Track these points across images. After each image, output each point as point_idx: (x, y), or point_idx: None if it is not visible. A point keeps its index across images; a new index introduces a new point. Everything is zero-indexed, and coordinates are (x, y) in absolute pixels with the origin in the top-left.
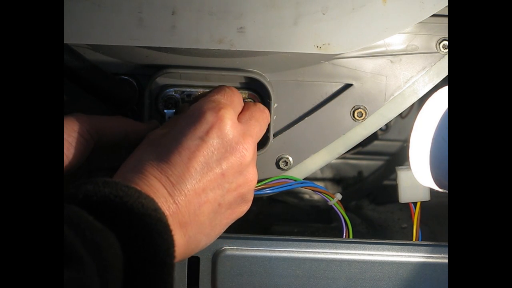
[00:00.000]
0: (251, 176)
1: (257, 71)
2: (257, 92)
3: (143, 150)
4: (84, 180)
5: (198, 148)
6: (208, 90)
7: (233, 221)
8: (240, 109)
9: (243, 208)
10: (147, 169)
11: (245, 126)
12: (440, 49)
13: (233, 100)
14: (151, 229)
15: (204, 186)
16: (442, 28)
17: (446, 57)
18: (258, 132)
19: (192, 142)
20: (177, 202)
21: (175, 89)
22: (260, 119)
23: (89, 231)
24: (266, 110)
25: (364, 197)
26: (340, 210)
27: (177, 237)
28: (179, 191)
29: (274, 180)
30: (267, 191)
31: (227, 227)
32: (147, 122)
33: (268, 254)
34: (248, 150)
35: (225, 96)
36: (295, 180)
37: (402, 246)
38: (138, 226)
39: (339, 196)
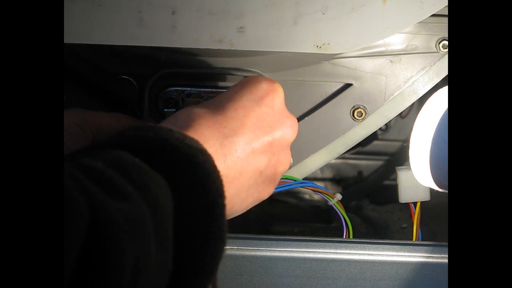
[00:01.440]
0: (289, 158)
1: (257, 71)
2: None
3: (190, 107)
4: (126, 128)
5: (253, 109)
6: (208, 90)
7: (258, 202)
8: None
9: (270, 190)
10: (200, 119)
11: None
12: (440, 49)
13: None
14: (199, 169)
15: (254, 148)
16: (442, 28)
17: (446, 57)
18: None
19: (248, 102)
20: (226, 154)
21: (175, 89)
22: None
23: (135, 173)
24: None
25: (364, 197)
26: (340, 210)
27: None
28: (231, 144)
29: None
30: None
31: (255, 204)
32: (146, 121)
33: (268, 254)
34: (294, 129)
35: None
36: (295, 180)
37: (402, 246)
38: (185, 167)
39: (339, 196)
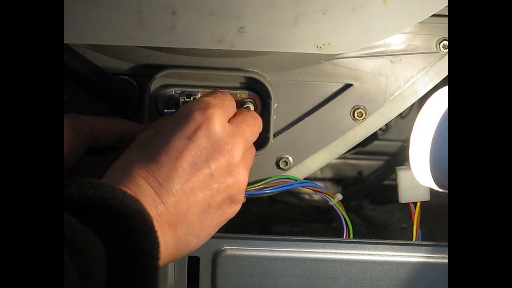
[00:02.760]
0: (241, 177)
1: (257, 71)
2: (257, 92)
3: (131, 151)
4: (68, 181)
5: (186, 148)
6: (208, 90)
7: (224, 223)
8: (231, 113)
9: (233, 209)
10: (134, 170)
11: (235, 128)
12: (440, 49)
13: (224, 102)
14: (134, 230)
15: (192, 186)
16: (442, 28)
17: (446, 57)
18: (249, 136)
19: (179, 141)
20: (164, 201)
21: (175, 89)
22: (252, 125)
23: (70, 233)
24: (259, 119)
25: (364, 197)
26: (341, 210)
27: (166, 237)
28: (167, 191)
29: (274, 180)
30: (267, 191)
31: (217, 228)
32: (143, 124)
33: (268, 254)
34: (237, 150)
35: (216, 98)
36: (296, 180)
37: (402, 246)
38: (121, 228)
39: (339, 196)
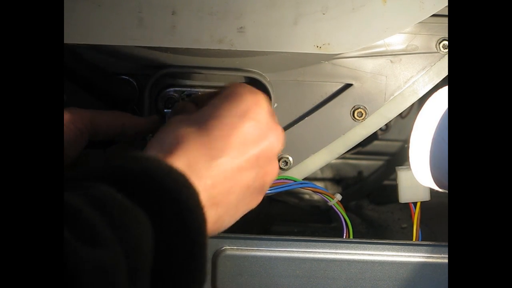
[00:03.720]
0: (276, 168)
1: (257, 71)
2: None
3: (176, 126)
4: (113, 155)
5: (238, 125)
6: (208, 90)
7: (249, 210)
8: None
9: (259, 199)
10: (186, 142)
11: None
12: (440, 49)
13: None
14: (181, 206)
15: (240, 166)
16: (442, 28)
17: (446, 57)
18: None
19: (231, 119)
20: (214, 177)
21: (175, 89)
22: None
23: (116, 211)
24: None
25: (364, 197)
26: (340, 211)
27: (209, 214)
28: (218, 166)
29: (274, 180)
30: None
31: (243, 214)
32: (146, 117)
33: (268, 254)
34: (279, 139)
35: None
36: (295, 181)
37: (402, 246)
38: (168, 203)
39: (339, 197)
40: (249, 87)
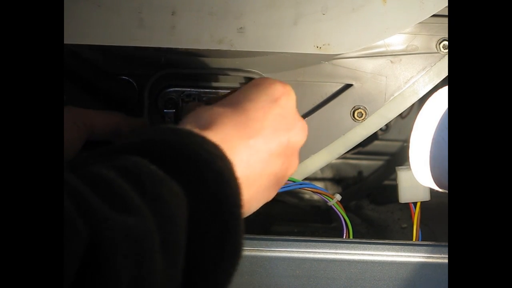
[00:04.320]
0: (297, 162)
1: (257, 71)
2: None
3: (209, 107)
4: (146, 129)
5: (271, 110)
6: (208, 90)
7: (268, 200)
8: None
9: (275, 192)
10: (223, 120)
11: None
12: (440, 49)
13: None
14: (216, 177)
15: (272, 151)
16: (442, 28)
17: (446, 57)
18: None
19: (265, 103)
20: (249, 156)
21: (175, 89)
22: None
23: (149, 182)
24: None
25: (364, 197)
26: (340, 211)
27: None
28: (254, 146)
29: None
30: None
31: (261, 205)
32: (139, 118)
33: (268, 254)
34: (305, 132)
35: None
36: (294, 181)
37: (402, 246)
38: (202, 174)
39: (338, 197)
40: (278, 80)
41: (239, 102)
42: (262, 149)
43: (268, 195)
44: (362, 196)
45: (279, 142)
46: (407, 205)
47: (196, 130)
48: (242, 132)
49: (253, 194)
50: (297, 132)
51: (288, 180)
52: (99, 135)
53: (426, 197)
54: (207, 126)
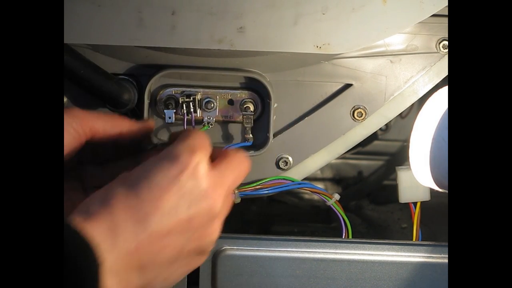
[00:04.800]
0: (216, 229)
1: (257, 71)
2: (257, 92)
3: (114, 183)
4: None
5: (170, 188)
6: (208, 90)
7: (189, 272)
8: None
9: (200, 261)
10: (114, 203)
11: (219, 176)
12: (440, 49)
13: (206, 145)
14: (78, 274)
15: (169, 229)
16: (442, 28)
17: (446, 57)
18: (231, 184)
19: (163, 181)
20: (139, 240)
21: (175, 89)
22: (237, 171)
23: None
24: (246, 162)
25: (364, 197)
26: (339, 210)
27: (132, 278)
28: (144, 229)
29: (271, 180)
30: (263, 191)
31: (183, 276)
32: (142, 122)
33: (268, 254)
34: (218, 201)
35: (198, 140)
36: (292, 181)
37: (402, 246)
38: (67, 269)
39: (337, 196)
40: (188, 145)
41: (136, 181)
42: (156, 230)
43: (183, 268)
44: (362, 196)
45: (178, 220)
46: (407, 205)
47: (80, 220)
48: (133, 216)
49: (154, 274)
50: (204, 206)
51: (287, 180)
52: (99, 139)
53: (426, 197)
54: (96, 213)
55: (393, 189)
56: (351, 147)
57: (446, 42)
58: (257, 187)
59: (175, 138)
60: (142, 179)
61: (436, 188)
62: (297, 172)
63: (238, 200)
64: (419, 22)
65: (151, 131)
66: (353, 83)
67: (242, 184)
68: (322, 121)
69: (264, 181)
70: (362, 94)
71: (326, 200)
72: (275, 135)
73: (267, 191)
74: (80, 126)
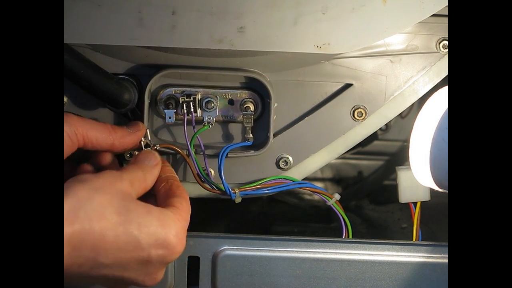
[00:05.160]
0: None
1: (257, 71)
2: (257, 92)
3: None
4: None
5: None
6: (208, 90)
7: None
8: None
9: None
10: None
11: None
12: (440, 49)
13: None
14: None
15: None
16: (442, 28)
17: (446, 57)
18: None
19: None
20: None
21: (175, 89)
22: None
23: None
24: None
25: (364, 197)
26: (339, 210)
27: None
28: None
29: (271, 180)
30: (263, 191)
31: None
32: (134, 132)
33: (268, 254)
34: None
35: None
36: (292, 181)
37: (402, 246)
38: None
39: (337, 196)
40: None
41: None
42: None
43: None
44: (362, 196)
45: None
46: (407, 205)
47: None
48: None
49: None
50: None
51: (288, 180)
52: (91, 146)
53: (426, 197)
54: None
55: (393, 189)
56: (351, 147)
57: (446, 42)
58: (258, 186)
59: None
60: None
61: (436, 188)
62: (297, 172)
63: (239, 200)
64: (419, 22)
65: (141, 136)
66: (353, 83)
67: (243, 184)
68: (322, 121)
69: (264, 180)
70: (362, 94)
71: (327, 200)
72: (275, 135)
73: (267, 191)
74: (74, 134)
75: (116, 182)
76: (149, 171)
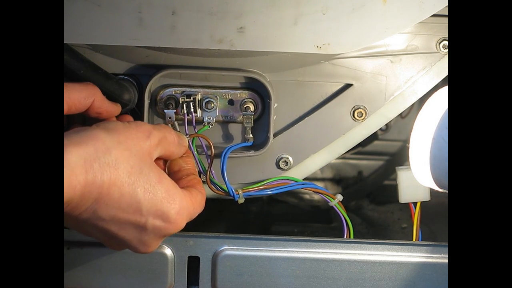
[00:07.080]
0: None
1: (257, 71)
2: (257, 92)
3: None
4: None
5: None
6: (208, 90)
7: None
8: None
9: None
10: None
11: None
12: (440, 49)
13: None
14: None
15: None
16: (442, 28)
17: (446, 57)
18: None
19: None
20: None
21: (175, 89)
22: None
23: None
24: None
25: (364, 197)
26: (341, 211)
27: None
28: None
29: (274, 180)
30: (266, 192)
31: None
32: (111, 102)
33: (268, 254)
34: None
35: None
36: (296, 181)
37: (402, 246)
38: None
39: (340, 197)
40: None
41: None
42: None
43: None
44: (362, 196)
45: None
46: (407, 205)
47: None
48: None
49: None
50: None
51: (290, 180)
52: (74, 111)
53: (426, 197)
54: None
55: (393, 189)
56: (351, 147)
57: (446, 42)
58: (261, 187)
59: None
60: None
61: (436, 188)
62: (297, 172)
63: (242, 201)
64: (419, 22)
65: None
66: (353, 83)
67: (243, 184)
68: (322, 121)
69: (268, 181)
70: (362, 94)
71: (329, 201)
72: (275, 135)
73: (271, 191)
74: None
75: (142, 139)
76: (179, 145)
